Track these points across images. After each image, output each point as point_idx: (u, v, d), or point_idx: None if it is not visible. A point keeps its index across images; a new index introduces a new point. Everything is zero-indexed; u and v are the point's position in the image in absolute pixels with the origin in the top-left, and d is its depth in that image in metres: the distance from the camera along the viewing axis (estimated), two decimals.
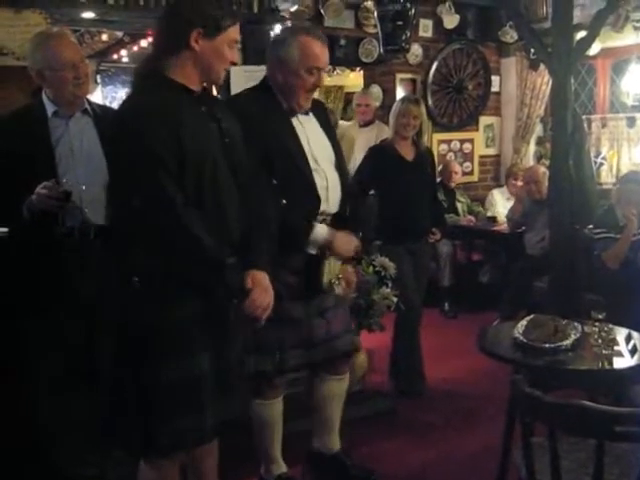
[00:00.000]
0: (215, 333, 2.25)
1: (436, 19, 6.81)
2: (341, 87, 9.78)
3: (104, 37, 7.30)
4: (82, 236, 2.80)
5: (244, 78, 4.55)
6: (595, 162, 6.58)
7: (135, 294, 2.16)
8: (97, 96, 8.17)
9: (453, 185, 6.70)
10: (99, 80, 8.87)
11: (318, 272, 2.79)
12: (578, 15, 4.87)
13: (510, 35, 6.91)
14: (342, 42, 6.19)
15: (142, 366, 2.18)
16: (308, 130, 2.84)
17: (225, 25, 2.24)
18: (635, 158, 6.81)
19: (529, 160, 7.39)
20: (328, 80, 8.40)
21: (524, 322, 3.05)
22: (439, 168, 6.35)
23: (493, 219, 6.46)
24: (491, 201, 6.93)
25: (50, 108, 2.87)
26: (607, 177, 6.95)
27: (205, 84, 2.33)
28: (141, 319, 2.18)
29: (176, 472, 2.38)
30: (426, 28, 6.82)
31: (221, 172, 2.24)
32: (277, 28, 5.20)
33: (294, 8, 5.70)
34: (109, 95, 8.96)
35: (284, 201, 2.68)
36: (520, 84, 7.25)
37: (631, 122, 6.78)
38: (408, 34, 5.61)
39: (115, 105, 2.61)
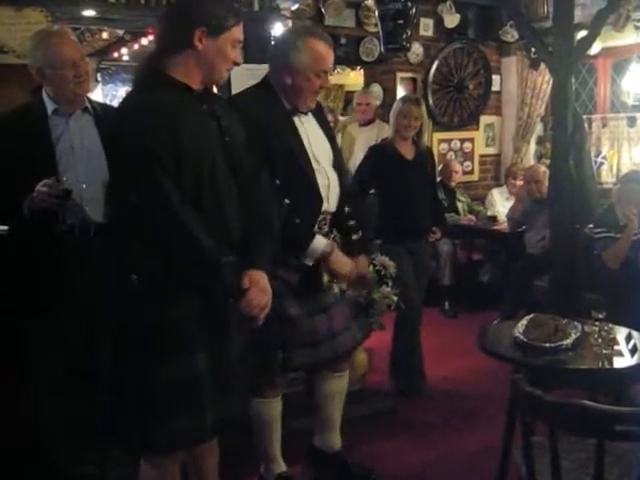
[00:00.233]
0: (214, 332, 2.25)
1: (437, 18, 6.81)
2: (342, 86, 9.78)
3: (105, 35, 7.28)
4: (82, 234, 2.80)
5: (245, 76, 4.53)
6: (595, 162, 6.58)
7: (133, 293, 2.16)
8: (97, 94, 8.16)
9: (453, 184, 6.70)
10: (99, 78, 8.87)
11: (318, 271, 2.79)
12: (579, 14, 4.87)
13: (511, 34, 6.91)
14: (343, 41, 6.19)
15: (141, 365, 2.18)
16: (308, 129, 2.85)
17: (229, 25, 2.24)
18: (635, 158, 6.80)
19: (529, 159, 7.39)
20: (328, 79, 8.39)
21: (524, 321, 3.05)
22: (439, 167, 6.36)
23: (493, 218, 6.46)
24: (491, 201, 6.94)
25: (50, 106, 2.87)
26: (607, 177, 6.94)
27: (206, 83, 2.33)
28: (140, 318, 2.17)
29: (176, 471, 2.37)
30: (427, 27, 6.82)
31: (220, 171, 2.24)
32: (278, 26, 5.20)
33: (295, 6, 5.69)
34: (109, 93, 8.95)
35: (287, 201, 2.68)
36: (521, 83, 7.25)
37: (632, 122, 6.77)
38: (409, 33, 5.62)
39: (115, 103, 2.61)
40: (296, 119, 2.82)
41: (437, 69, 6.96)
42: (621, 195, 4.56)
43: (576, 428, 1.96)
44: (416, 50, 6.71)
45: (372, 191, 4.26)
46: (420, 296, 4.29)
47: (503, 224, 6.18)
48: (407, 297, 4.00)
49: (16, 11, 4.49)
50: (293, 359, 2.80)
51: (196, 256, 2.14)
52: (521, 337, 2.91)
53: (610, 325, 2.97)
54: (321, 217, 2.82)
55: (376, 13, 5.72)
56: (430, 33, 6.86)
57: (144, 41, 7.23)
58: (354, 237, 2.98)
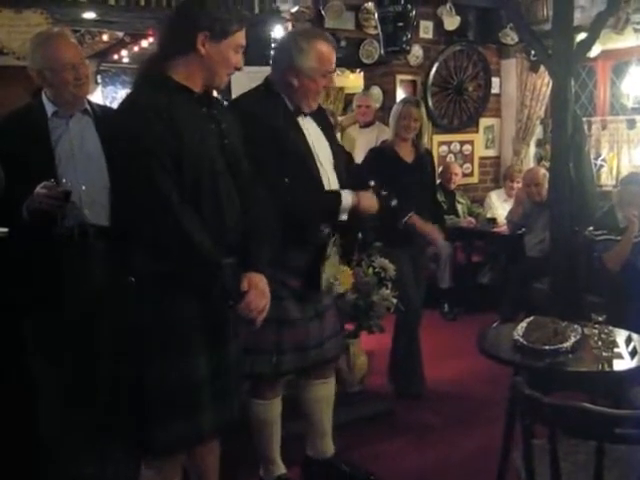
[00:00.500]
0: (213, 335, 2.25)
1: (437, 21, 6.81)
2: (341, 88, 9.76)
3: (105, 37, 7.30)
4: (81, 237, 2.80)
5: (245, 79, 4.54)
6: (595, 164, 6.58)
7: (136, 295, 2.17)
8: (97, 96, 8.18)
9: (453, 186, 6.70)
10: (99, 80, 8.88)
11: (318, 272, 2.79)
12: (578, 17, 4.88)
13: (510, 37, 6.91)
14: (343, 43, 6.19)
15: (140, 368, 2.18)
16: (310, 131, 2.86)
17: (232, 30, 2.25)
18: (635, 160, 6.80)
19: (529, 162, 7.39)
20: None
21: (524, 324, 3.05)
22: (439, 170, 6.36)
23: (493, 221, 6.46)
24: (489, 203, 6.94)
25: (50, 108, 2.87)
26: (607, 179, 6.95)
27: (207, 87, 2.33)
28: (139, 321, 2.18)
29: (177, 472, 2.37)
30: (427, 29, 6.82)
31: (220, 173, 2.24)
32: (278, 29, 5.21)
33: (295, 9, 5.70)
34: (109, 95, 8.97)
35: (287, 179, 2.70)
36: (520, 86, 7.26)
37: (631, 124, 6.77)
38: (409, 35, 5.61)
39: (115, 105, 2.61)
40: (299, 120, 2.83)
41: (437, 71, 6.97)
42: (621, 197, 4.57)
43: (576, 431, 1.96)
44: (416, 52, 6.71)
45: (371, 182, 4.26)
46: (419, 298, 4.28)
47: (503, 226, 6.18)
48: (406, 299, 4.01)
49: (16, 13, 4.50)
50: (284, 363, 2.80)
51: (196, 257, 2.13)
52: (521, 340, 2.91)
53: (610, 328, 2.97)
54: None
55: (376, 15, 5.72)
56: (430, 35, 6.87)
57: (144, 43, 7.24)
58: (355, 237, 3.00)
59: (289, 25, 5.37)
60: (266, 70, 2.92)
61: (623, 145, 6.89)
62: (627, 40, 6.24)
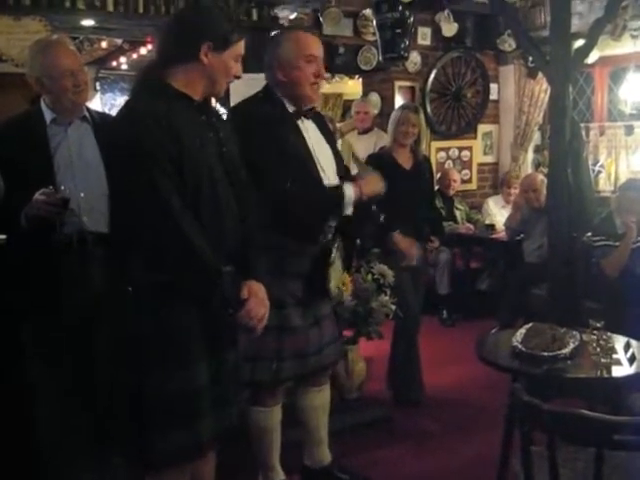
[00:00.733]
0: (211, 342, 2.24)
1: (435, 27, 6.83)
2: (340, 94, 9.81)
3: (103, 44, 7.31)
4: (80, 244, 2.79)
5: (243, 86, 4.55)
6: (593, 170, 6.58)
7: (134, 304, 2.16)
8: (96, 103, 8.18)
9: (451, 193, 6.71)
10: (98, 87, 8.89)
11: (324, 278, 2.79)
12: (576, 23, 4.90)
13: (508, 43, 6.93)
14: (341, 50, 6.21)
15: (139, 376, 2.17)
16: (311, 134, 2.86)
17: (233, 40, 2.26)
18: (633, 166, 6.82)
19: (527, 168, 7.40)
20: (327, 87, 8.42)
21: (523, 330, 3.05)
22: (437, 176, 6.37)
23: (491, 227, 6.47)
24: (487, 209, 6.95)
25: (49, 115, 2.86)
26: (605, 185, 6.96)
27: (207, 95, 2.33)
28: (138, 330, 2.16)
29: None
30: (425, 36, 6.83)
31: (218, 181, 2.23)
32: (269, 40, 5.22)
33: (293, 16, 5.72)
34: (108, 102, 8.98)
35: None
36: (518, 92, 7.27)
37: (629, 130, 6.79)
38: (407, 42, 5.63)
39: (114, 112, 2.61)
40: (300, 123, 2.83)
41: (435, 78, 6.98)
42: (619, 203, 4.57)
43: (575, 437, 1.96)
44: (414, 59, 6.73)
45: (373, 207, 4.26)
46: (418, 305, 4.28)
47: (501, 233, 6.18)
48: (405, 306, 4.01)
49: (15, 20, 4.51)
50: (284, 370, 2.80)
51: (196, 264, 2.12)
52: (519, 346, 2.90)
53: (608, 334, 2.96)
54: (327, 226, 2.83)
55: (374, 22, 5.74)
56: (428, 42, 6.88)
57: (143, 50, 7.26)
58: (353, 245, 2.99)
59: None
60: (264, 77, 2.93)
61: (621, 151, 6.90)
62: (624, 46, 6.26)
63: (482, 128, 7.52)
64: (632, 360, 2.85)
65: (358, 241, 3.06)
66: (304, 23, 5.81)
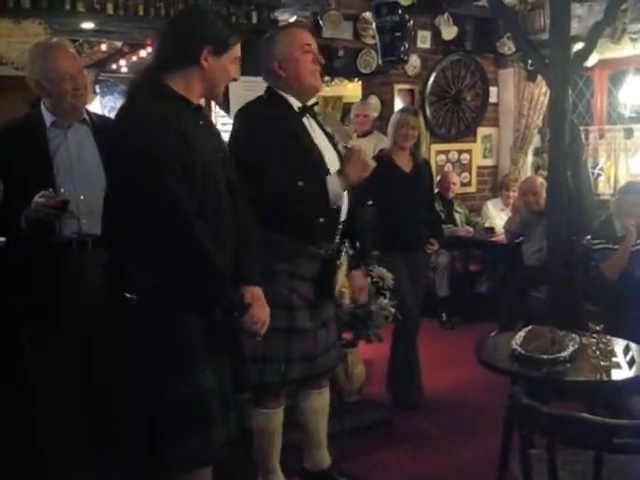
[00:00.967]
0: (216, 347, 2.23)
1: (434, 30, 6.84)
2: (339, 97, 9.81)
3: (103, 47, 7.31)
4: (80, 246, 2.79)
5: (243, 89, 4.56)
6: (592, 173, 6.58)
7: (136, 310, 2.13)
8: (96, 106, 8.18)
9: (451, 196, 6.71)
10: (98, 90, 8.89)
11: (331, 279, 2.79)
12: (575, 27, 4.89)
13: (508, 46, 6.94)
14: (340, 53, 6.21)
15: (148, 383, 2.15)
16: (316, 132, 2.88)
17: (231, 43, 2.26)
18: (632, 169, 6.82)
19: (527, 171, 7.41)
20: (326, 90, 8.43)
21: (522, 333, 3.04)
22: (437, 179, 6.37)
23: (491, 230, 6.47)
24: (486, 212, 6.96)
25: (48, 118, 2.86)
26: (604, 188, 6.96)
27: (204, 98, 2.33)
28: (143, 335, 2.14)
29: None
30: (424, 39, 6.85)
31: (222, 186, 2.23)
32: (263, 42, 5.23)
33: (293, 19, 5.72)
34: (108, 105, 8.97)
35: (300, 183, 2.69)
36: (518, 95, 7.28)
37: (628, 133, 6.79)
38: (406, 45, 5.64)
39: (114, 115, 2.59)
40: (305, 121, 2.84)
41: (434, 81, 6.99)
42: (619, 207, 4.58)
43: (574, 440, 1.96)
44: (414, 62, 6.74)
45: (369, 202, 4.27)
46: (417, 307, 4.29)
47: (500, 235, 6.18)
48: (404, 308, 4.01)
49: (15, 23, 4.51)
50: (293, 371, 2.80)
51: (205, 269, 2.11)
52: (519, 349, 2.90)
53: (608, 337, 2.96)
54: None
55: (374, 25, 5.74)
56: (427, 45, 6.89)
57: (142, 53, 7.25)
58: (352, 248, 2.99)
59: None
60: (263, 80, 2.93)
61: (620, 154, 6.90)
62: (624, 50, 6.27)
63: (482, 131, 7.53)
64: (631, 363, 2.85)
65: (357, 244, 3.05)
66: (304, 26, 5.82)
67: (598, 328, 2.95)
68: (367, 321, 3.78)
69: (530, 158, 7.52)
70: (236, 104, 3.10)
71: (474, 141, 7.50)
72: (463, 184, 7.24)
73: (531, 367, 2.83)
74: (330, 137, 2.99)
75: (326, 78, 3.17)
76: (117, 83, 8.98)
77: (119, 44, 7.09)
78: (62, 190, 2.75)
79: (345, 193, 2.85)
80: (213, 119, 5.90)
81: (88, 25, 5.00)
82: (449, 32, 6.78)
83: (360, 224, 3.13)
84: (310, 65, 2.81)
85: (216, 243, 2.14)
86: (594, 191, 6.30)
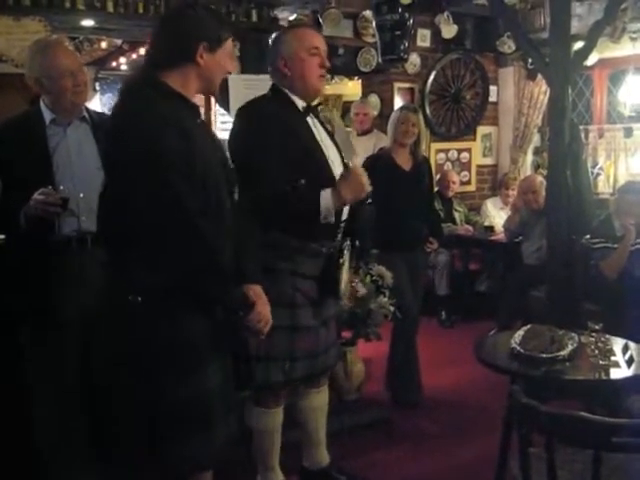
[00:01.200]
0: (219, 347, 2.23)
1: (434, 29, 6.83)
2: (339, 96, 9.80)
3: (103, 45, 7.30)
4: (79, 244, 2.79)
5: (244, 87, 4.56)
6: (592, 172, 6.58)
7: (138, 310, 2.11)
8: (95, 104, 8.18)
9: (451, 194, 6.71)
10: (98, 88, 8.88)
11: (335, 279, 2.80)
12: (576, 26, 4.89)
13: (508, 45, 6.93)
14: (340, 51, 6.21)
15: (152, 385, 2.13)
16: (320, 132, 2.87)
17: (225, 38, 2.24)
18: (632, 168, 6.82)
19: (526, 170, 7.41)
20: (326, 89, 8.41)
21: (521, 332, 3.05)
22: (437, 178, 6.37)
23: (490, 228, 6.47)
24: (485, 211, 6.96)
25: (48, 116, 2.86)
26: (604, 187, 6.96)
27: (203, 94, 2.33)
28: (146, 336, 2.12)
29: None
30: (424, 38, 6.84)
31: (221, 185, 2.23)
32: (271, 39, 5.22)
33: (293, 17, 5.72)
34: (107, 103, 8.96)
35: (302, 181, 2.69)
36: (518, 94, 7.27)
37: (628, 132, 6.79)
38: (406, 44, 5.63)
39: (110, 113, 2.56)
40: (309, 120, 2.84)
41: (434, 79, 6.98)
42: (618, 206, 4.58)
43: (573, 439, 1.96)
44: (413, 61, 6.73)
45: (369, 201, 4.26)
46: (417, 306, 4.28)
47: (500, 234, 6.18)
48: (404, 307, 4.01)
49: (15, 21, 4.51)
50: (296, 370, 2.80)
51: (209, 268, 2.11)
52: (518, 348, 2.91)
53: (607, 336, 2.96)
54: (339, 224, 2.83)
55: (374, 24, 5.74)
56: (427, 44, 6.88)
57: (142, 51, 7.24)
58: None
59: None
60: (264, 78, 2.94)
61: (620, 153, 6.91)
62: (624, 49, 6.27)
63: (481, 130, 7.53)
64: (630, 362, 2.85)
65: (357, 242, 3.05)
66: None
67: (597, 327, 2.95)
68: (366, 319, 3.78)
69: (530, 157, 7.52)
70: (236, 102, 3.10)
71: (474, 140, 7.50)
72: (463, 183, 7.24)
73: (530, 366, 2.83)
74: (330, 134, 2.99)
75: (327, 76, 3.16)
76: (117, 81, 8.96)
77: (119, 42, 7.08)
78: (61, 188, 2.75)
79: None
80: (213, 117, 5.92)
81: (88, 23, 4.99)
82: (449, 31, 6.78)
83: (361, 222, 3.13)
84: (315, 68, 2.81)
85: (218, 242, 2.14)
86: (593, 190, 6.30)
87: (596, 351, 2.88)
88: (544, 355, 2.84)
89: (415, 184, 4.23)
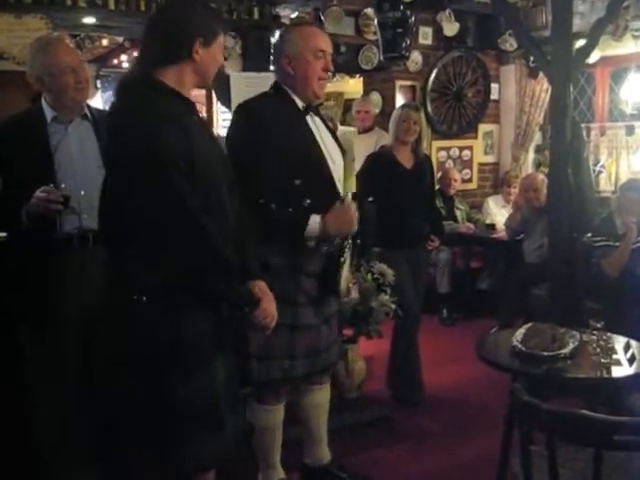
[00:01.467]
0: (224, 345, 2.23)
1: (436, 27, 6.83)
2: (341, 93, 9.80)
3: (104, 42, 7.30)
4: (80, 242, 2.79)
5: (244, 85, 4.56)
6: (594, 170, 6.58)
7: (140, 310, 2.10)
8: (97, 101, 8.18)
9: (452, 192, 6.71)
10: (99, 85, 8.88)
11: (336, 276, 2.79)
12: (577, 23, 4.89)
13: (509, 43, 6.93)
14: (342, 49, 6.20)
15: (156, 386, 2.12)
16: (321, 131, 2.86)
17: (218, 31, 2.24)
18: (634, 166, 6.82)
19: (528, 168, 7.40)
20: (328, 86, 8.40)
21: (522, 330, 3.04)
22: (438, 175, 6.36)
23: (492, 226, 6.46)
24: (487, 209, 6.95)
25: (49, 113, 2.86)
26: (606, 185, 6.95)
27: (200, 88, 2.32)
28: (151, 336, 2.11)
29: None
30: (426, 35, 6.83)
31: (222, 182, 2.22)
32: (277, 35, 5.22)
33: (295, 14, 5.72)
34: (109, 100, 8.96)
35: (308, 201, 2.68)
36: (519, 92, 7.27)
37: (630, 130, 6.78)
38: (408, 41, 5.63)
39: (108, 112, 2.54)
40: (309, 119, 2.83)
41: (436, 77, 6.98)
42: (620, 204, 4.57)
43: (574, 437, 1.96)
44: (415, 58, 6.72)
45: (370, 198, 4.26)
46: (418, 304, 4.28)
47: (501, 232, 6.18)
48: (405, 305, 4.00)
49: (16, 18, 4.51)
50: (296, 368, 2.80)
51: (214, 266, 2.11)
52: (519, 346, 2.90)
53: (608, 334, 2.97)
54: None
55: (375, 21, 5.74)
56: (429, 41, 6.88)
57: None
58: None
59: None
60: (265, 76, 2.94)
61: (622, 151, 6.90)
62: (626, 47, 6.26)
63: (483, 128, 7.52)
64: (632, 360, 2.85)
65: (358, 240, 3.05)
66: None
67: (598, 325, 2.95)
68: (368, 317, 3.78)
69: (531, 155, 7.51)
70: (238, 100, 3.08)
71: (475, 138, 7.50)
72: (464, 181, 7.24)
73: (531, 364, 2.83)
74: (333, 134, 2.98)
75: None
76: (118, 78, 8.96)
77: (120, 39, 7.08)
78: (63, 185, 2.75)
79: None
80: (214, 115, 5.92)
81: (89, 20, 5.00)
82: (451, 28, 6.77)
83: (362, 220, 3.12)
84: (319, 72, 2.80)
85: (221, 239, 2.14)
86: (595, 188, 6.31)
87: (597, 349, 2.88)
88: (545, 353, 2.84)
89: (416, 182, 4.23)
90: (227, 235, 2.20)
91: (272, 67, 2.90)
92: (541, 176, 5.55)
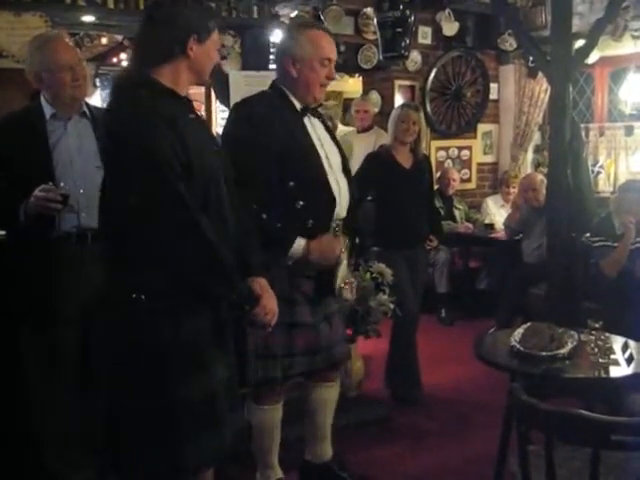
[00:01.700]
0: (224, 343, 2.23)
1: (435, 26, 6.83)
2: (340, 93, 9.79)
3: (103, 41, 7.29)
4: (79, 240, 2.79)
5: (243, 83, 4.56)
6: (593, 170, 6.58)
7: (139, 309, 2.09)
8: (96, 99, 8.17)
9: (451, 192, 6.71)
10: (98, 83, 8.88)
11: (332, 276, 2.79)
12: (577, 24, 4.90)
13: (509, 43, 6.93)
14: (341, 48, 6.19)
15: (157, 385, 2.11)
16: (319, 132, 2.85)
17: (212, 28, 2.22)
18: (632, 167, 6.82)
19: (527, 168, 7.41)
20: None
21: (521, 330, 3.04)
22: (437, 175, 6.37)
23: (491, 226, 6.47)
24: (486, 209, 6.95)
25: (48, 111, 2.86)
26: (605, 185, 6.96)
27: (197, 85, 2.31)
28: (151, 335, 2.10)
29: None
30: (425, 35, 6.84)
31: (220, 181, 2.22)
32: (277, 34, 5.21)
33: (294, 13, 5.71)
34: (108, 98, 8.96)
35: (301, 202, 2.67)
36: (518, 92, 7.27)
37: (629, 131, 6.79)
38: (407, 41, 5.62)
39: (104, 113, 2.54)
40: (306, 120, 2.82)
41: (435, 77, 6.98)
42: (619, 204, 4.58)
43: (572, 437, 1.96)
44: (414, 58, 6.73)
45: (369, 198, 4.27)
46: (417, 303, 4.28)
47: (500, 232, 6.19)
48: (404, 304, 4.00)
49: (15, 16, 4.50)
50: (294, 366, 2.80)
51: (214, 265, 2.10)
52: (517, 346, 2.90)
53: (606, 334, 2.96)
54: (334, 223, 2.81)
55: (375, 21, 5.73)
56: (428, 41, 6.88)
57: None
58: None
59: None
60: (265, 75, 2.93)
61: (621, 152, 6.91)
62: (625, 47, 6.27)
63: (482, 128, 7.52)
64: (630, 360, 2.85)
65: (356, 240, 3.05)
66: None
67: (597, 325, 2.95)
68: (366, 317, 3.78)
69: (530, 155, 7.52)
70: (237, 99, 3.07)
71: (474, 137, 7.50)
72: (463, 180, 7.24)
73: (530, 364, 2.83)
74: (333, 135, 2.97)
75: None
76: (114, 77, 8.95)
77: (119, 38, 7.07)
78: (62, 184, 2.75)
79: (347, 189, 2.85)
80: (213, 113, 5.92)
81: (89, 18, 4.99)
82: (450, 28, 6.77)
83: (360, 220, 3.12)
84: (322, 79, 2.79)
85: (219, 238, 2.14)
86: (594, 189, 6.30)
87: (596, 349, 2.88)
88: (544, 353, 2.84)
89: (415, 182, 4.23)
90: (227, 232, 2.20)
91: (275, 63, 2.86)
92: (540, 176, 5.55)
